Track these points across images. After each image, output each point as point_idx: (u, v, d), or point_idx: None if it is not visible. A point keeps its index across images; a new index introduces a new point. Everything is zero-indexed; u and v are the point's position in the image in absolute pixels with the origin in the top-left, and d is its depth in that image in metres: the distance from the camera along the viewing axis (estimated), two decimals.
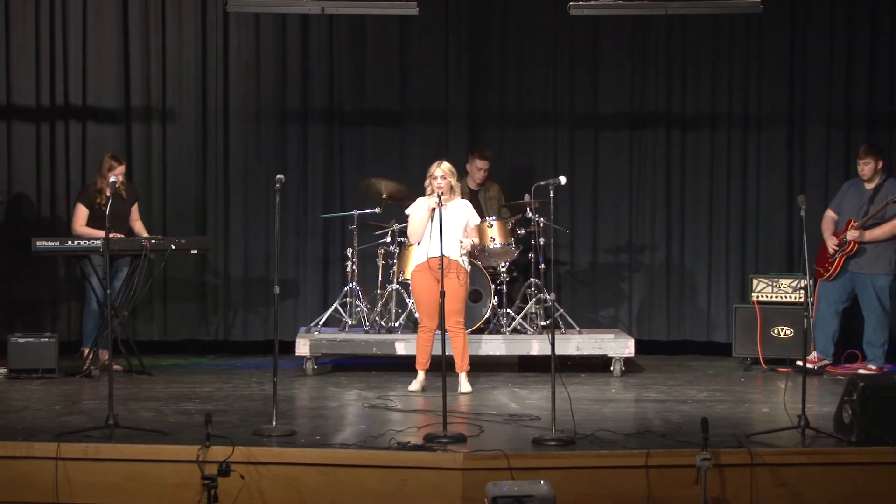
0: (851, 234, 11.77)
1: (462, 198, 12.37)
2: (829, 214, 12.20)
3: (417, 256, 10.66)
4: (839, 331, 12.10)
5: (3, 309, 12.99)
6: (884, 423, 8.17)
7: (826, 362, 11.99)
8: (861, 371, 11.49)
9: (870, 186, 11.94)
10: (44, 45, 13.02)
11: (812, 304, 12.04)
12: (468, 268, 10.64)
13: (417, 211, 10.60)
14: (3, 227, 12.99)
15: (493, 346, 11.91)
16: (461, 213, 10.35)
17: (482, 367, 11.80)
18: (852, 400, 8.33)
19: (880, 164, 11.96)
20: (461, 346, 10.41)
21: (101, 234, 10.55)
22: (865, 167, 11.93)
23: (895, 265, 11.87)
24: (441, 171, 10.50)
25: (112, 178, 10.98)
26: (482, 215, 12.14)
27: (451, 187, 10.54)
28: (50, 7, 13.00)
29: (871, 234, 11.76)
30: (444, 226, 10.23)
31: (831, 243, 11.97)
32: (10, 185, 13.04)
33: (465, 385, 10.58)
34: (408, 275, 11.26)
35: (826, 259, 12.00)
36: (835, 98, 13.33)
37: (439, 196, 9.86)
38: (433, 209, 10.32)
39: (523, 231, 12.27)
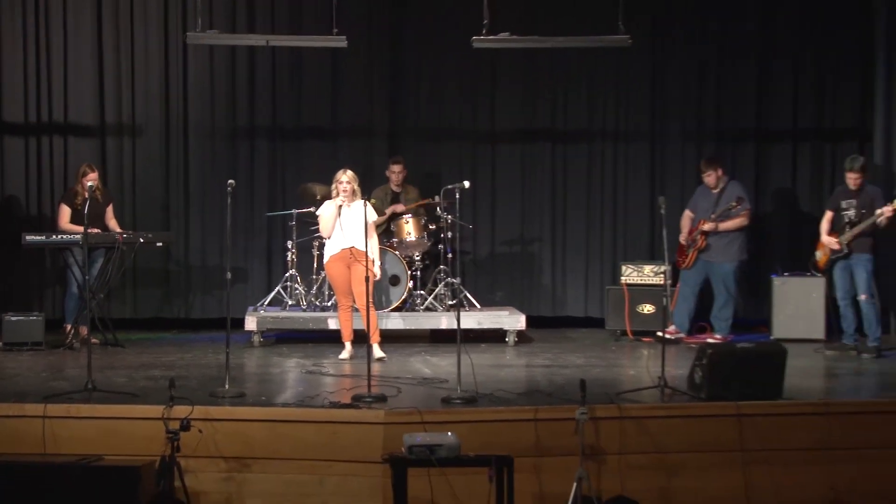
0: (708, 226, 11.90)
1: (385, 199, 12.50)
2: (687, 213, 12.32)
3: (331, 248, 10.72)
4: (695, 309, 12.22)
5: None
6: (727, 383, 8.30)
7: (681, 335, 12.11)
8: (709, 340, 11.55)
9: (715, 191, 12.09)
10: (30, 71, 12.86)
11: (675, 287, 12.19)
12: (373, 257, 10.67)
13: (326, 211, 10.70)
14: None
15: (408, 321, 11.93)
16: (362, 211, 10.31)
17: (400, 339, 11.81)
18: (702, 364, 8.43)
19: (720, 172, 12.11)
20: (373, 322, 10.41)
21: (81, 229, 10.45)
22: (708, 178, 12.10)
23: (736, 255, 12.03)
24: (346, 177, 10.63)
25: (89, 183, 10.99)
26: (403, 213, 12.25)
27: (354, 190, 10.62)
28: (35, 39, 12.84)
29: (724, 226, 11.90)
30: (351, 221, 10.42)
31: (683, 235, 12.12)
32: (3, 188, 12.88)
33: (378, 353, 10.55)
34: None
35: (684, 252, 12.16)
36: (688, 117, 13.45)
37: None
38: (339, 206, 10.51)
39: (434, 226, 12.32)
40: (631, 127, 13.51)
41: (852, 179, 11.22)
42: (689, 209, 12.36)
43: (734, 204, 11.85)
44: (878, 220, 10.96)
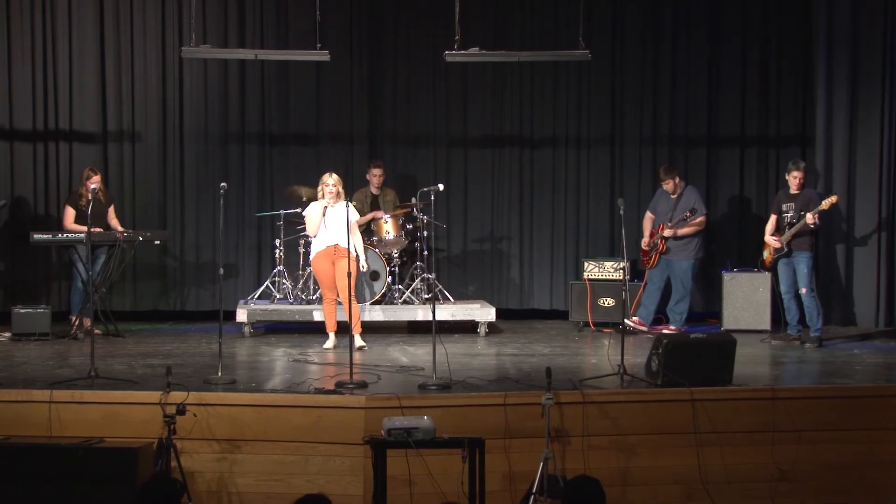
0: (668, 232, 11.95)
1: (365, 200, 12.48)
2: (648, 215, 12.38)
3: (317, 246, 10.68)
4: (659, 304, 12.24)
5: (7, 287, 12.75)
6: (681, 370, 8.31)
7: (644, 327, 12.11)
8: (665, 331, 11.60)
9: (674, 196, 12.12)
10: (38, 82, 12.80)
11: (639, 282, 12.24)
12: (359, 252, 10.65)
13: (312, 211, 10.66)
14: (7, 224, 12.76)
15: (387, 313, 11.90)
16: (345, 211, 10.27)
17: (379, 330, 11.80)
18: (658, 353, 8.44)
19: (677, 179, 12.16)
20: (355, 314, 10.38)
21: (85, 228, 10.40)
22: (667, 185, 12.16)
23: (693, 253, 12.08)
24: (332, 180, 10.62)
25: (92, 186, 10.99)
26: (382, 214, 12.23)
27: (339, 192, 10.60)
28: (42, 54, 12.76)
29: (682, 231, 11.95)
30: (335, 221, 10.38)
31: (644, 240, 12.18)
32: (13, 190, 12.79)
33: (360, 342, 10.54)
34: None
35: (647, 254, 12.20)
36: (645, 124, 13.44)
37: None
38: (325, 207, 10.49)
39: (411, 226, 12.32)
40: (592, 133, 13.50)
41: (796, 178, 11.28)
42: (649, 211, 12.41)
43: (688, 214, 11.89)
44: (809, 223, 11.04)
